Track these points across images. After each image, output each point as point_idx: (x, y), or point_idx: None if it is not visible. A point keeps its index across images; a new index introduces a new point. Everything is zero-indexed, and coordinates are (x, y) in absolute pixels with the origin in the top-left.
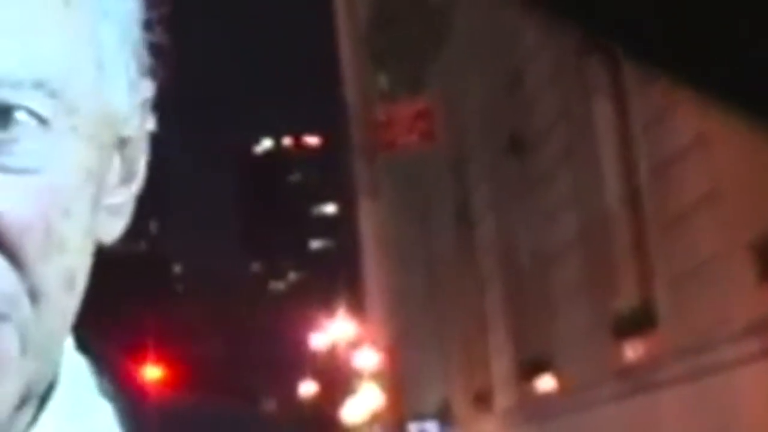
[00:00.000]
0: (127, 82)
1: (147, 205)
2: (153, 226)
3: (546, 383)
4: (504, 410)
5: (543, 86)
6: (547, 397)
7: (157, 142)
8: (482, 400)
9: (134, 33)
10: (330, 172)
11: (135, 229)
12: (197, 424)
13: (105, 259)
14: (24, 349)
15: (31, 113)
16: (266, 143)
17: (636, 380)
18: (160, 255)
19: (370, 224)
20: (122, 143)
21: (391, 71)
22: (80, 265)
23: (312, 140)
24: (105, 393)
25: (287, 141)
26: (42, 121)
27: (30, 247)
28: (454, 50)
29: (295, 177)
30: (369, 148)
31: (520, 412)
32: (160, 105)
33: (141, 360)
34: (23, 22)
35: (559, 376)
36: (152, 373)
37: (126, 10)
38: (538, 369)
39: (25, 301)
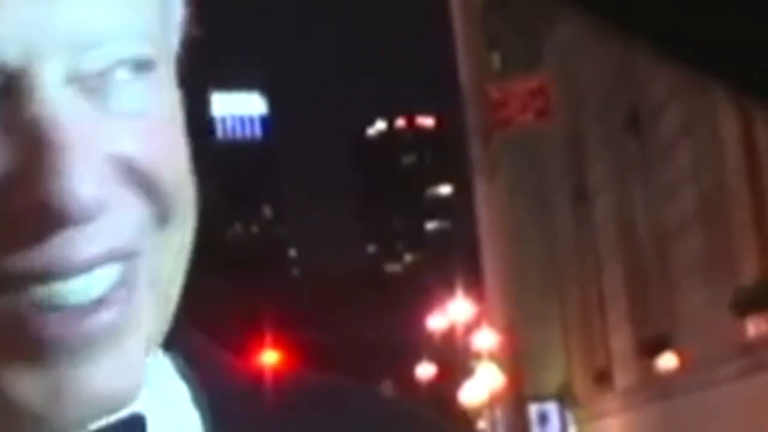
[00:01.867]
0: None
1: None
2: (267, 211)
3: (667, 361)
4: (625, 389)
5: (660, 59)
6: (668, 375)
7: (270, 125)
8: (602, 379)
9: None
10: (444, 153)
11: (249, 214)
12: (318, 402)
13: (220, 245)
14: (152, 286)
15: (141, 63)
16: (380, 125)
17: (759, 357)
18: (275, 239)
19: (487, 204)
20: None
21: (504, 50)
22: (191, 201)
23: (425, 121)
24: (180, 373)
25: (400, 122)
26: (149, 68)
27: (166, 186)
28: (568, 27)
29: (409, 158)
30: (484, 127)
31: (642, 390)
32: (273, 90)
33: (258, 344)
34: None
35: (680, 353)
36: (269, 357)
37: None
38: (659, 347)
39: (155, 230)
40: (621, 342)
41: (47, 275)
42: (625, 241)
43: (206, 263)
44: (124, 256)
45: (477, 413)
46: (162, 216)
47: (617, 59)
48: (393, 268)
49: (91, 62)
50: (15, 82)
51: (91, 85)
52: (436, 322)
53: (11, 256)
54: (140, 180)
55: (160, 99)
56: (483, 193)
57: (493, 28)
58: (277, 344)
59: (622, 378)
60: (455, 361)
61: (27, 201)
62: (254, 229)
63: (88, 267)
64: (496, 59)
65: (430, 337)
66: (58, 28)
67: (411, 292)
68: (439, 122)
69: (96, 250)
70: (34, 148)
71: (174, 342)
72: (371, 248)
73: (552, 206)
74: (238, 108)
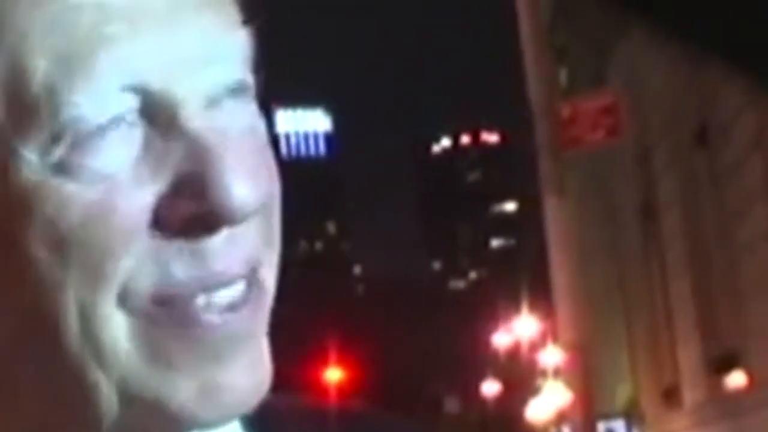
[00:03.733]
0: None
1: (324, 205)
2: (331, 227)
3: (737, 378)
4: (693, 407)
5: (730, 73)
6: (737, 393)
7: (334, 142)
8: (670, 396)
9: None
10: (509, 170)
11: (313, 231)
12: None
13: (284, 263)
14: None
15: (247, 86)
16: (444, 142)
17: None
18: (340, 256)
19: (556, 222)
20: None
21: (571, 65)
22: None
23: (490, 137)
24: None
25: (465, 139)
26: (250, 89)
27: (275, 203)
28: (635, 40)
29: (473, 175)
30: (553, 144)
31: (711, 408)
32: (337, 107)
33: (322, 362)
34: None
35: (749, 371)
36: (333, 374)
37: None
38: (728, 364)
39: (268, 254)
40: (689, 359)
41: (206, 282)
42: (693, 257)
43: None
44: (256, 263)
45: (543, 431)
46: (268, 237)
47: (685, 73)
48: (457, 284)
49: (213, 85)
50: (159, 102)
51: (215, 104)
52: (501, 339)
53: (179, 264)
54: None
55: (254, 120)
56: (552, 209)
57: (559, 42)
58: (341, 361)
59: (691, 395)
60: (520, 378)
61: (193, 207)
62: (319, 245)
63: (235, 274)
64: (562, 74)
65: (495, 354)
66: (183, 50)
67: (475, 309)
68: (504, 138)
69: (240, 254)
70: (197, 157)
71: None
72: (436, 265)
73: (619, 222)
74: (303, 125)
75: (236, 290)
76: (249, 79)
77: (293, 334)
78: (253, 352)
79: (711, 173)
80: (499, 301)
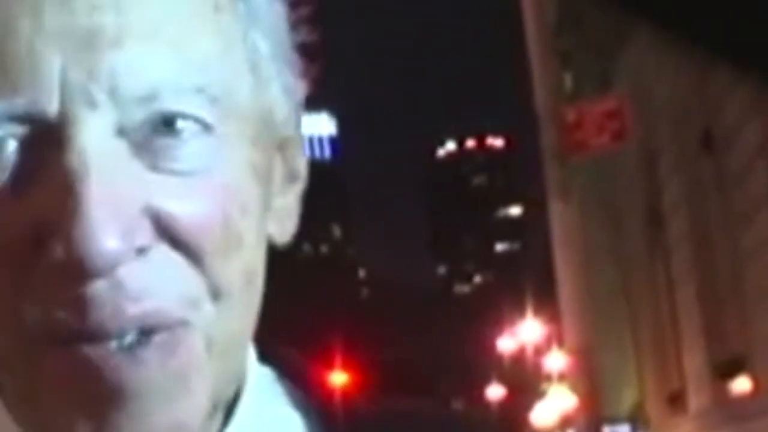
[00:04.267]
0: (282, 85)
1: (329, 209)
2: (336, 231)
3: (742, 384)
4: (698, 412)
5: (736, 78)
6: (743, 399)
7: (339, 146)
8: (676, 401)
9: (284, 35)
10: (514, 174)
11: (318, 235)
12: (393, 427)
13: (289, 266)
14: (209, 351)
15: (195, 119)
16: (450, 145)
17: None
18: (345, 259)
19: (561, 226)
20: (282, 144)
21: (576, 70)
22: (258, 263)
23: (495, 142)
24: (294, 404)
25: (470, 143)
26: (205, 126)
27: (209, 246)
28: (640, 46)
29: (479, 179)
30: (559, 149)
31: (716, 413)
32: (342, 110)
33: (327, 365)
34: (178, 30)
35: (755, 376)
36: (338, 378)
37: (275, 12)
38: (734, 369)
39: (207, 303)
40: (695, 364)
41: (84, 333)
42: (699, 262)
43: (274, 284)
44: (167, 320)
45: None
46: (212, 290)
47: (691, 78)
48: (462, 289)
49: (139, 116)
50: (57, 132)
51: (139, 139)
52: (506, 343)
53: (52, 309)
54: (183, 245)
55: (220, 160)
56: (557, 214)
57: (565, 47)
58: (346, 365)
59: (696, 400)
60: (525, 382)
61: (59, 252)
62: (324, 249)
63: (123, 329)
64: (567, 79)
65: (499, 358)
66: (103, 77)
67: (480, 313)
68: (509, 142)
69: (132, 310)
70: (66, 199)
71: (284, 369)
72: (441, 269)
73: (625, 226)
74: (307, 129)
75: (127, 340)
76: (204, 116)
77: (298, 338)
78: (158, 395)
79: (717, 179)
80: (504, 306)
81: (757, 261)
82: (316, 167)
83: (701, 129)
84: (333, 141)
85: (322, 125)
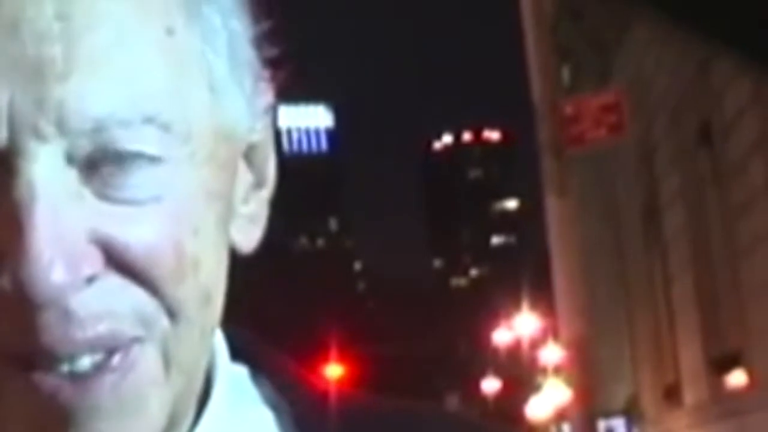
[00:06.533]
0: (243, 97)
1: (326, 201)
2: (333, 224)
3: (738, 378)
4: (694, 406)
5: (734, 71)
6: (738, 393)
7: (335, 138)
8: (671, 395)
9: (244, 50)
10: (510, 168)
11: (315, 227)
12: (379, 424)
13: (286, 259)
14: (167, 368)
15: (141, 155)
16: (446, 138)
17: None
18: (341, 252)
19: (558, 220)
20: (248, 152)
21: (574, 63)
22: (215, 281)
23: (492, 135)
24: (268, 401)
25: (467, 136)
26: (152, 158)
27: (162, 272)
28: (639, 39)
29: (475, 172)
30: (556, 143)
31: (711, 407)
32: (339, 103)
33: (323, 358)
34: (129, 58)
35: (750, 370)
36: (334, 371)
37: (231, 30)
38: (730, 363)
39: (163, 321)
40: (691, 358)
41: (34, 358)
42: (696, 256)
43: (271, 276)
44: (121, 340)
45: (543, 428)
46: (168, 310)
47: (689, 71)
48: (459, 282)
49: (87, 147)
50: (6, 163)
51: (88, 168)
52: (502, 336)
53: (4, 335)
54: (134, 270)
55: (170, 187)
56: (554, 207)
57: (563, 41)
58: (341, 358)
59: (692, 394)
60: (521, 375)
61: (7, 283)
62: (320, 242)
63: (74, 354)
64: (565, 72)
65: (495, 351)
66: (51, 109)
67: (477, 306)
68: (506, 136)
69: (83, 335)
70: (13, 229)
71: (260, 365)
72: (437, 262)
73: (622, 220)
74: (305, 120)
75: (80, 364)
76: (150, 149)
77: (294, 330)
78: (110, 418)
79: (714, 172)
80: (499, 299)
81: (754, 255)
82: (313, 160)
83: (699, 122)
84: (330, 133)
85: (319, 118)
